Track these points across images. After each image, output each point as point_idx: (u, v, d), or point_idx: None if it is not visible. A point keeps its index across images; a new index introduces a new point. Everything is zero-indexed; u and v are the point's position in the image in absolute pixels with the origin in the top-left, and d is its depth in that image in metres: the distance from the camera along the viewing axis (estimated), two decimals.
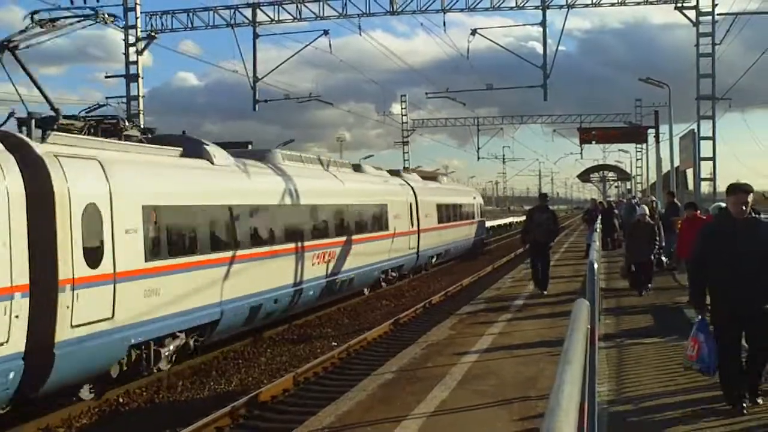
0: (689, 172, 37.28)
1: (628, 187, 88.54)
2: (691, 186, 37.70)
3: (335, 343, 21.56)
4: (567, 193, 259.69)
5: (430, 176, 51.17)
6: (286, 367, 18.82)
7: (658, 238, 21.03)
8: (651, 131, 51.12)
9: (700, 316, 9.93)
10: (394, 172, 40.16)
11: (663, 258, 23.36)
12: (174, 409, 15.26)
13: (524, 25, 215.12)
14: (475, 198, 54.87)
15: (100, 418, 14.82)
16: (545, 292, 22.80)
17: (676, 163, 39.65)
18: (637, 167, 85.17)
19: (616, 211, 40.35)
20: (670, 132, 39.23)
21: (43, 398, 13.96)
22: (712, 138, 34.97)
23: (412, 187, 38.61)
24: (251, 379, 17.72)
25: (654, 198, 39.97)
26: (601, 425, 8.63)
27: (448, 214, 44.93)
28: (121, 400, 15.80)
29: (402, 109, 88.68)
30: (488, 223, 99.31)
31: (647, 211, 22.20)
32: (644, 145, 64.02)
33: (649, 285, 21.25)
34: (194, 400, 16.09)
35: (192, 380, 17.47)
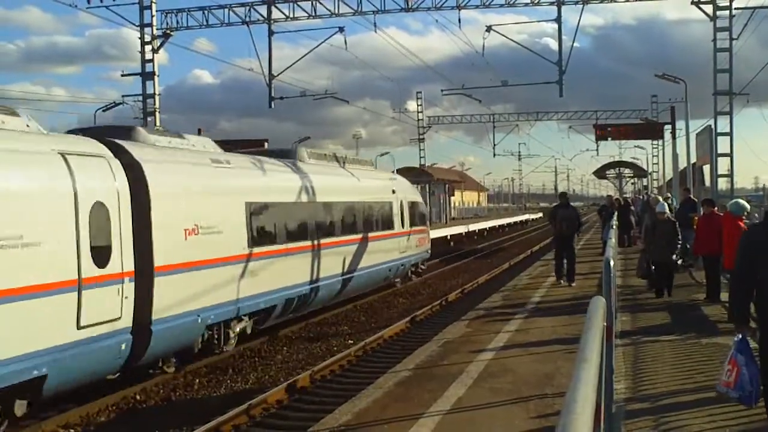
0: (706, 169, 37.16)
1: (645, 183, 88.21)
2: (708, 182, 37.55)
3: (352, 341, 21.58)
4: (583, 190, 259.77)
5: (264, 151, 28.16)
6: (302, 365, 18.84)
7: (679, 238, 20.23)
8: (667, 127, 50.91)
9: (740, 335, 8.43)
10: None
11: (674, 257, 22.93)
12: (191, 408, 15.27)
13: (539, 21, 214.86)
14: (396, 192, 32.55)
15: (118, 416, 14.87)
16: (573, 284, 24.13)
17: (693, 159, 39.52)
18: (653, 164, 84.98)
19: (632, 208, 40.25)
20: (686, 128, 39.05)
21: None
22: (730, 134, 34.82)
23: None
24: (268, 377, 17.75)
25: (669, 194, 39.86)
26: (617, 423, 8.62)
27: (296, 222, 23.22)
28: (138, 397, 15.86)
29: (418, 106, 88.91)
30: (504, 221, 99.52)
31: (667, 209, 21.59)
32: (660, 142, 63.90)
33: (670, 291, 20.37)
34: (211, 398, 16.11)
35: (209, 378, 17.50)
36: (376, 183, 31.43)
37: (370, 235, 28.37)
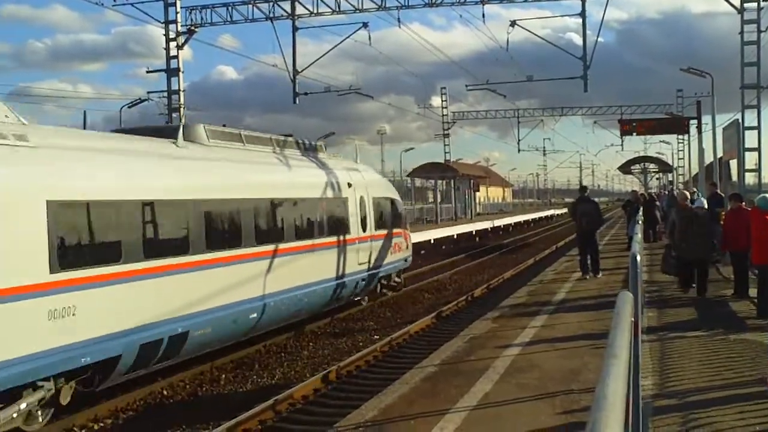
0: (733, 163, 36.88)
1: (670, 178, 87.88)
2: (735, 177, 37.29)
3: (377, 337, 21.62)
4: (608, 185, 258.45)
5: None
6: (328, 360, 18.91)
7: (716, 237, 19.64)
8: (693, 122, 50.57)
9: None
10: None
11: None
12: (217, 403, 15.39)
13: (562, 16, 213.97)
14: (353, 187, 25.50)
15: (146, 411, 14.99)
16: (599, 276, 24.66)
17: (720, 153, 39.28)
18: (678, 158, 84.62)
19: (657, 203, 40.06)
20: (713, 122, 38.73)
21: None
22: (758, 128, 34.54)
23: None
24: (294, 372, 17.81)
25: (695, 189, 39.64)
26: (645, 419, 8.59)
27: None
28: (165, 392, 15.99)
29: (442, 101, 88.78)
30: (529, 216, 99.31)
31: (705, 204, 21.00)
32: (686, 136, 63.57)
33: (705, 289, 19.64)
34: (237, 393, 16.20)
35: (234, 374, 17.61)
36: (319, 174, 23.36)
37: (303, 243, 20.96)
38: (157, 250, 15.33)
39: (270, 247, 19.36)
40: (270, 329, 20.34)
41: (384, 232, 27.23)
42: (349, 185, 24.81)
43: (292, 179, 21.73)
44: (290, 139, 23.71)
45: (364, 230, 25.42)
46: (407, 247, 30.51)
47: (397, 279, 29.24)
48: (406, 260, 30.30)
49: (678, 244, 19.94)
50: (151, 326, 14.77)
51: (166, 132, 18.28)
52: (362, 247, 25.06)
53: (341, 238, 23.55)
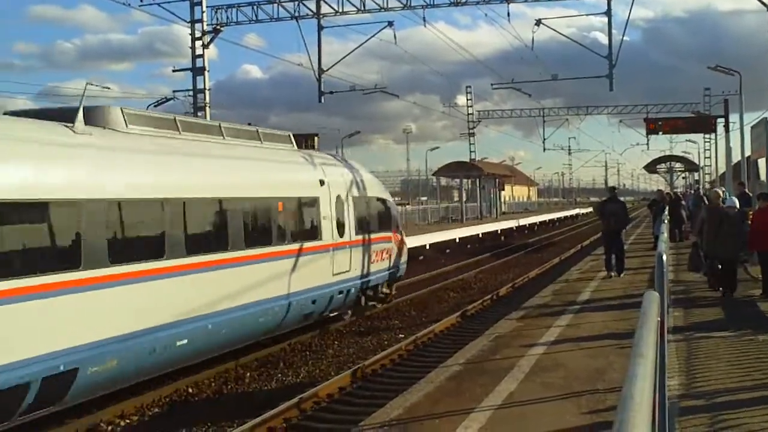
0: (761, 162, 36.64)
1: (696, 178, 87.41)
2: (763, 176, 37.06)
3: (402, 335, 21.63)
4: (633, 185, 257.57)
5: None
6: (353, 359, 18.92)
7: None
8: (720, 120, 50.30)
9: None
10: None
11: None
12: (242, 400, 15.42)
13: (588, 14, 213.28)
14: (327, 185, 21.92)
15: (171, 408, 15.05)
16: (623, 275, 24.61)
17: (747, 152, 39.02)
18: (705, 158, 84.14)
19: (683, 202, 39.87)
20: (741, 121, 38.48)
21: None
22: None
23: None
24: (319, 371, 17.84)
25: (723, 188, 39.42)
26: (671, 420, 8.54)
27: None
28: (190, 390, 16.04)
29: (467, 100, 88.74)
30: (554, 215, 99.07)
31: (737, 203, 20.73)
32: (713, 135, 63.15)
33: (734, 290, 19.41)
34: (262, 391, 16.23)
35: (259, 372, 17.65)
36: (282, 170, 20.34)
37: (255, 252, 17.61)
38: (27, 265, 12.05)
39: (206, 258, 15.89)
40: (210, 356, 16.86)
41: (369, 236, 23.74)
42: (322, 183, 21.20)
43: (243, 175, 18.27)
44: (247, 127, 21.11)
45: (342, 235, 21.80)
46: (400, 254, 26.68)
47: (385, 290, 25.46)
48: (398, 269, 26.53)
49: (707, 243, 19.62)
50: (16, 365, 11.46)
51: (63, 115, 14.45)
52: (339, 255, 21.47)
53: (310, 244, 19.96)
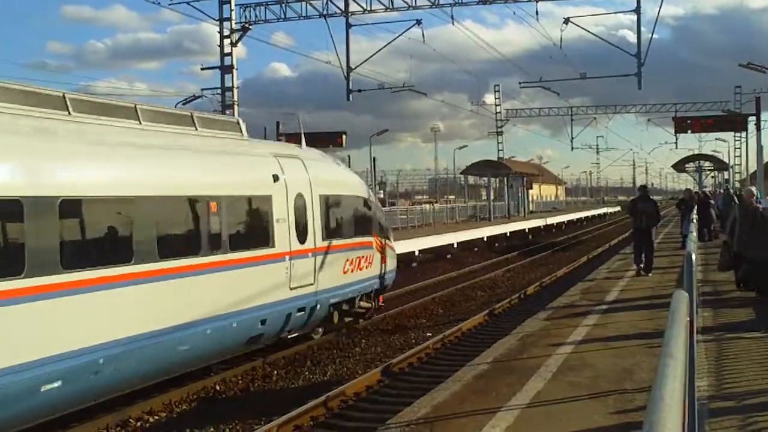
0: None
1: (726, 177, 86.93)
2: None
3: (430, 334, 21.63)
4: (661, 184, 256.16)
5: None
6: (380, 357, 18.97)
7: None
8: (751, 119, 49.97)
9: None
10: None
11: None
12: (269, 398, 15.50)
13: (616, 12, 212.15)
14: (283, 181, 18.30)
15: (199, 405, 15.16)
16: (650, 274, 24.46)
17: None
18: (735, 156, 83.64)
19: (712, 202, 39.63)
20: None
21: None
22: None
23: None
24: (346, 369, 17.90)
25: (755, 187, 39.13)
26: (701, 421, 8.48)
27: None
28: (218, 387, 16.14)
29: (495, 99, 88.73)
30: (582, 214, 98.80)
31: None
32: (743, 134, 62.78)
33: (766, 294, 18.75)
34: (289, 389, 16.31)
35: (287, 370, 17.73)
36: (217, 162, 16.62)
37: (176, 264, 14.31)
38: None
39: (93, 274, 12.44)
40: (115, 395, 13.93)
41: (341, 242, 20.45)
42: (276, 179, 17.76)
43: (159, 168, 14.67)
44: (177, 110, 18.04)
45: (303, 241, 18.51)
46: (385, 261, 23.38)
47: (364, 303, 22.08)
48: (383, 278, 23.28)
49: (740, 243, 19.35)
50: None
51: None
52: (298, 265, 18.16)
53: (256, 253, 16.77)
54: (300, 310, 18.24)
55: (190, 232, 15.31)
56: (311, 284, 18.71)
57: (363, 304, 22.03)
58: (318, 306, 19.06)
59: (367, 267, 22.04)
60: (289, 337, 19.08)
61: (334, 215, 20.66)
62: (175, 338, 13.99)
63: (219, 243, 15.67)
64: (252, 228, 17.51)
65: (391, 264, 24.16)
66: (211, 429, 13.56)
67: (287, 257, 17.76)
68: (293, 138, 47.44)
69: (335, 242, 20.05)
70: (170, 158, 15.12)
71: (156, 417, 14.33)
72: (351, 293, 20.94)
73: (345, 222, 21.25)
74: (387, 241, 23.86)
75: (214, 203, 15.60)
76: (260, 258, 16.86)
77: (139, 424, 13.95)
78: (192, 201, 15.19)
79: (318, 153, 22.27)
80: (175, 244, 14.68)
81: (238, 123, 18.79)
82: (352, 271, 20.99)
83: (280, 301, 17.31)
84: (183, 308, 14.28)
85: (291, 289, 17.80)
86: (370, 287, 22.24)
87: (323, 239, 19.46)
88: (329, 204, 20.22)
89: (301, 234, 18.50)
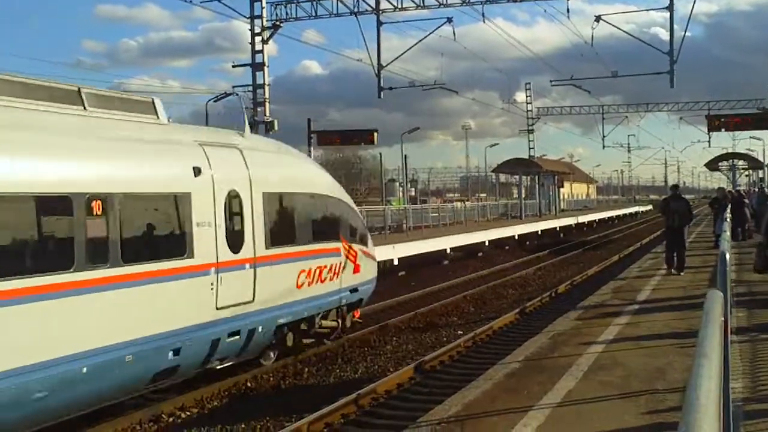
0: None
1: (761, 175, 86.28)
2: None
3: (461, 332, 21.64)
4: (694, 183, 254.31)
5: None
6: (411, 355, 18.98)
7: None
8: None
9: None
10: None
11: None
12: (300, 395, 15.54)
13: (648, 10, 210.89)
14: (208, 173, 14.65)
15: (231, 401, 15.26)
16: (683, 273, 24.26)
17: None
18: None
19: (746, 201, 39.34)
20: None
21: None
22: None
23: None
24: (377, 367, 17.92)
25: None
26: (736, 423, 8.43)
27: None
28: (249, 384, 16.21)
29: (527, 97, 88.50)
30: (613, 213, 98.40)
31: None
32: None
33: None
34: (320, 386, 16.36)
35: (318, 367, 17.76)
36: (109, 150, 13.06)
37: (54, 280, 11.35)
38: None
39: None
40: None
41: (295, 250, 17.14)
42: (198, 172, 14.26)
43: (27, 160, 11.49)
44: (59, 84, 13.53)
45: (238, 249, 15.14)
46: (359, 271, 20.10)
47: (329, 322, 19.02)
48: (355, 290, 19.96)
49: None
50: None
51: None
52: (230, 279, 14.77)
53: (167, 265, 13.42)
54: (233, 334, 14.93)
55: (53, 241, 12.17)
56: (249, 302, 15.30)
57: (326, 323, 18.80)
58: (260, 328, 15.72)
59: (332, 278, 18.60)
60: (219, 367, 15.79)
61: (287, 217, 17.41)
62: (21, 384, 10.71)
63: (105, 254, 12.30)
64: (159, 234, 13.99)
65: (368, 273, 20.89)
66: (243, 426, 13.59)
67: (213, 270, 14.33)
68: (326, 136, 48.18)
69: (286, 250, 16.74)
70: (27, 144, 11.69)
71: (188, 413, 14.43)
72: (310, 310, 17.68)
73: (302, 225, 17.72)
74: (362, 247, 20.54)
75: (96, 202, 12.19)
76: (170, 272, 13.41)
77: (171, 419, 14.07)
78: (55, 200, 11.77)
79: (268, 142, 19.43)
80: (27, 258, 11.45)
81: (153, 104, 14.98)
82: (310, 283, 17.56)
83: (201, 324, 13.95)
84: (37, 342, 11.06)
85: (218, 309, 14.39)
86: (336, 302, 18.96)
87: (268, 246, 16.05)
88: (280, 204, 17.12)
89: (235, 241, 15.10)
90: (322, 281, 18.13)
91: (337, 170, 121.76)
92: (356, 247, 20.07)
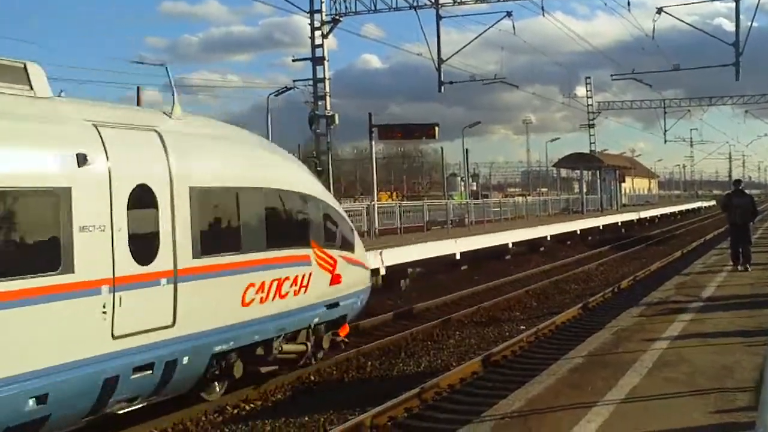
0: None
1: None
2: None
3: (523, 327, 21.62)
4: (760, 178, 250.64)
5: None
6: (474, 349, 19.00)
7: None
8: None
9: None
10: None
11: None
12: (363, 389, 15.65)
13: (712, 0, 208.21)
14: (92, 165, 10.96)
15: (294, 395, 15.42)
16: (749, 269, 24.15)
17: None
18: None
19: None
20: None
21: None
22: None
23: None
24: (440, 361, 17.96)
25: None
26: None
27: None
28: (313, 378, 16.33)
29: (587, 91, 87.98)
30: (676, 208, 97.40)
31: None
32: None
33: None
34: (383, 380, 16.44)
35: (380, 361, 17.87)
36: None
37: None
38: None
39: None
40: None
41: (239, 259, 13.56)
42: (84, 161, 10.88)
43: None
44: None
45: (149, 260, 11.75)
46: (339, 281, 16.62)
47: (292, 346, 15.41)
48: (332, 308, 16.44)
49: None
50: None
51: None
52: (134, 299, 11.39)
53: (36, 283, 10.16)
54: (141, 368, 11.55)
55: None
56: (166, 326, 11.96)
57: (288, 347, 15.24)
58: (185, 359, 12.36)
59: (298, 292, 15.10)
60: (129, 410, 12.27)
61: (229, 219, 13.94)
62: None
63: None
64: (17, 243, 10.41)
65: (354, 284, 17.42)
66: (306, 418, 13.68)
67: (105, 288, 11.03)
68: (387, 130, 48.27)
69: (227, 259, 13.30)
70: None
71: (251, 405, 14.58)
72: (264, 333, 14.20)
73: (251, 229, 14.06)
74: (344, 253, 17.02)
75: None
76: (34, 292, 10.10)
77: (235, 411, 14.23)
78: None
79: (214, 127, 15.02)
80: None
81: (25, 71, 11.40)
82: (263, 300, 14.07)
83: (85, 360, 10.71)
84: None
85: (115, 338, 11.12)
86: (305, 321, 15.54)
87: (198, 255, 12.61)
88: (219, 203, 13.66)
89: (144, 250, 11.72)
90: (281, 296, 14.56)
91: (399, 164, 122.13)
92: (334, 253, 16.49)
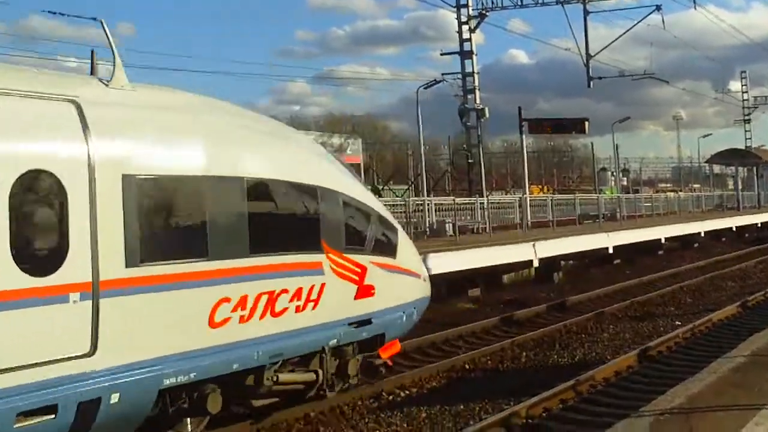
0: None
1: None
2: None
3: (679, 323, 21.28)
4: None
5: None
6: (629, 343, 18.82)
7: None
8: None
9: None
10: None
11: None
12: (518, 379, 15.65)
13: None
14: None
15: (449, 382, 15.58)
16: None
17: None
18: None
19: None
20: None
21: None
22: None
23: None
24: (594, 354, 17.85)
25: None
26: None
27: None
28: (467, 366, 16.51)
29: (742, 86, 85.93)
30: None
31: None
32: None
33: None
34: (537, 371, 16.42)
35: (535, 352, 17.91)
36: None
37: None
38: None
39: None
40: None
41: (202, 268, 10.30)
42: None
43: None
44: None
45: (46, 270, 8.67)
46: (370, 293, 13.20)
47: (293, 376, 12.08)
48: (361, 326, 13.05)
49: None
50: None
51: None
52: (22, 322, 8.31)
53: None
54: (36, 412, 8.44)
55: None
56: (81, 355, 8.89)
57: (287, 377, 11.89)
58: (113, 397, 9.22)
59: (303, 308, 11.84)
60: None
61: (188, 216, 10.71)
62: None
63: None
64: None
65: (399, 296, 14.10)
66: (461, 406, 13.74)
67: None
68: (537, 124, 48.01)
69: (183, 267, 10.11)
70: None
71: (407, 392, 14.78)
72: (245, 361, 10.95)
73: (225, 229, 10.86)
74: (379, 258, 13.53)
75: None
76: None
77: (390, 397, 14.44)
78: None
79: (164, 92, 11.42)
80: None
81: None
82: (246, 318, 10.90)
83: None
84: None
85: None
86: (314, 343, 12.15)
87: (136, 263, 9.50)
88: (172, 195, 10.44)
89: (40, 255, 8.96)
90: (274, 314, 11.37)
91: (549, 158, 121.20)
92: (362, 259, 13.06)
